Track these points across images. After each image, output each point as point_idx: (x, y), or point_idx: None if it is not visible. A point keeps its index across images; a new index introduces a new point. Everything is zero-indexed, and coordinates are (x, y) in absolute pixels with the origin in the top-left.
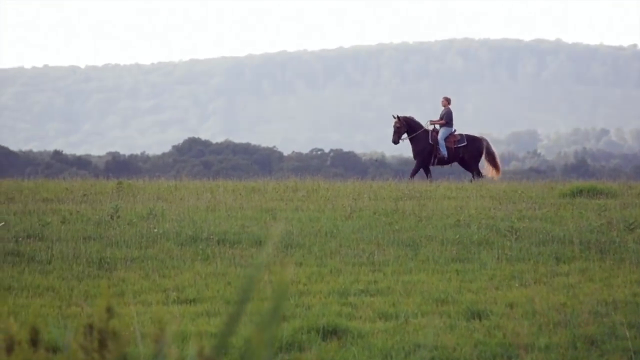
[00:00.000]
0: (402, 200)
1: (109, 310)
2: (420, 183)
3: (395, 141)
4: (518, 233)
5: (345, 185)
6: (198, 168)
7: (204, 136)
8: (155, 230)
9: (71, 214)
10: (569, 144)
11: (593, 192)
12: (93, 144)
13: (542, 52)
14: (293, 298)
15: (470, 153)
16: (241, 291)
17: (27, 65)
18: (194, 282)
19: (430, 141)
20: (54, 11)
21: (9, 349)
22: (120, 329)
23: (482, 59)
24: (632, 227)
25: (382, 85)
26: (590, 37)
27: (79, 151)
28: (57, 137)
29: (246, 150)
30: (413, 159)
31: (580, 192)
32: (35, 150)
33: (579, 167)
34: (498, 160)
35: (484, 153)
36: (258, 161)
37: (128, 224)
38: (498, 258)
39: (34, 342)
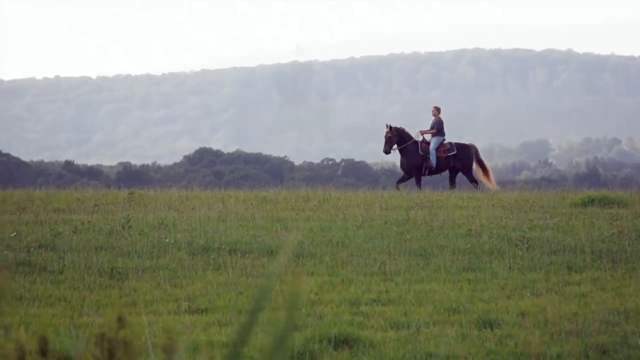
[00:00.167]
0: (413, 210)
1: (120, 320)
2: (431, 193)
3: (387, 151)
4: (529, 242)
5: (357, 195)
6: (209, 178)
7: (215, 146)
8: (167, 240)
9: (83, 224)
10: (581, 154)
11: (604, 202)
12: (104, 154)
13: (553, 62)
14: (305, 307)
15: (461, 161)
16: (254, 301)
17: (39, 76)
18: (205, 291)
19: (420, 152)
20: (65, 22)
21: (20, 359)
22: (131, 339)
23: (493, 69)
24: None
25: (394, 94)
26: (601, 47)
27: (90, 161)
28: (69, 148)
29: (257, 160)
30: (400, 169)
31: (591, 201)
32: (46, 160)
33: (591, 176)
34: (488, 166)
35: (473, 160)
36: (269, 171)
37: (139, 233)
38: (510, 267)
39: (43, 352)
